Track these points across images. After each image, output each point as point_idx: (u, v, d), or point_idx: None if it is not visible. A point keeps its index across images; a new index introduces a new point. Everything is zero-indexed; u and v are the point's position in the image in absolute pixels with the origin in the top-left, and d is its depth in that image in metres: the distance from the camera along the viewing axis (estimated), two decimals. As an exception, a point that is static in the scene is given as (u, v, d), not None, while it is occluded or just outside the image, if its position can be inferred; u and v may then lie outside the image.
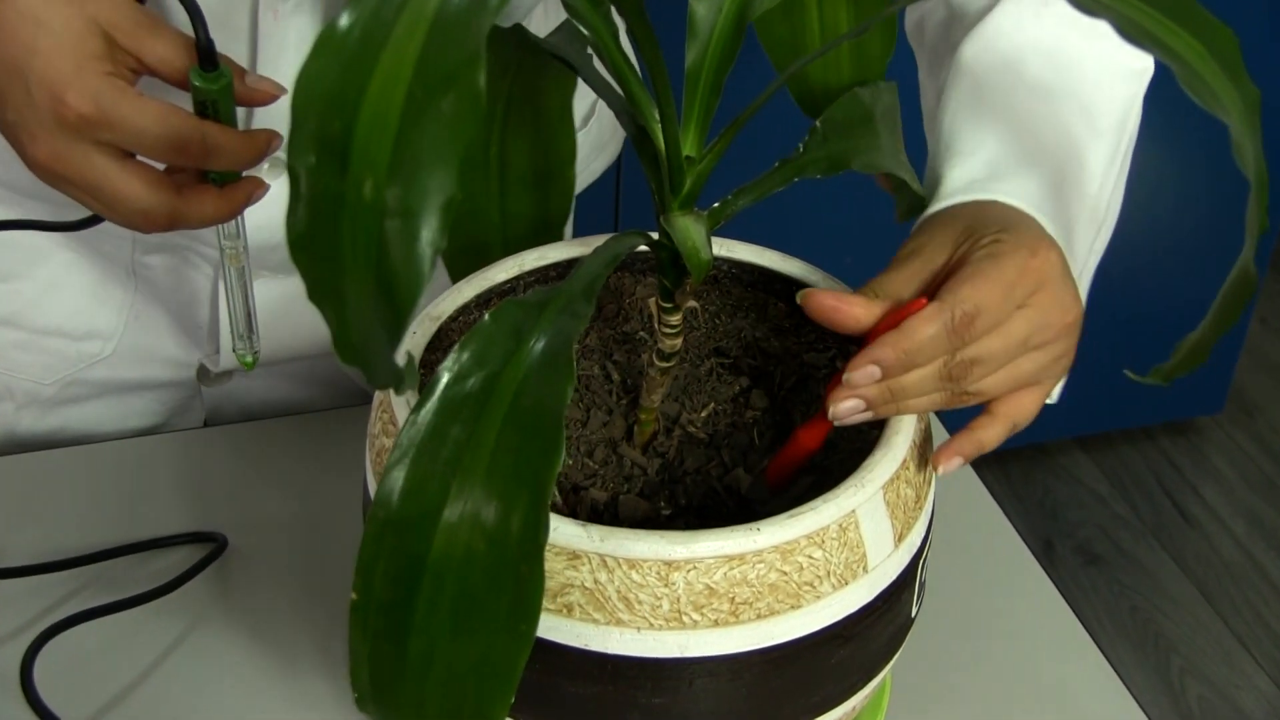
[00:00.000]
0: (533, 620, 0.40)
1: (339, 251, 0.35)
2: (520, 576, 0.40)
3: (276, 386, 0.88)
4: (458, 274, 0.66)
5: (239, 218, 0.65)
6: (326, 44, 0.36)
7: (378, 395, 0.58)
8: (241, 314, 0.69)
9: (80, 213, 0.61)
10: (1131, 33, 0.43)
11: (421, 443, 0.42)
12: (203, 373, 0.86)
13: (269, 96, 0.59)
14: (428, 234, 0.34)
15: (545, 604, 0.49)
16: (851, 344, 0.62)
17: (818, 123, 0.56)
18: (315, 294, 0.35)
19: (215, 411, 0.89)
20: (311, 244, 0.35)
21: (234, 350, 0.70)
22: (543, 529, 0.40)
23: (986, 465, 2.00)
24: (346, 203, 0.35)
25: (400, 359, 0.57)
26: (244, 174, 0.61)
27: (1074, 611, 0.74)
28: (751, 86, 0.56)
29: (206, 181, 0.60)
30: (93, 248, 0.80)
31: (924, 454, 0.57)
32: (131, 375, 0.84)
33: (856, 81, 0.63)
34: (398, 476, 0.41)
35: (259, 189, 0.61)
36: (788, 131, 0.64)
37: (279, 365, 0.86)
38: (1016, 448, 2.04)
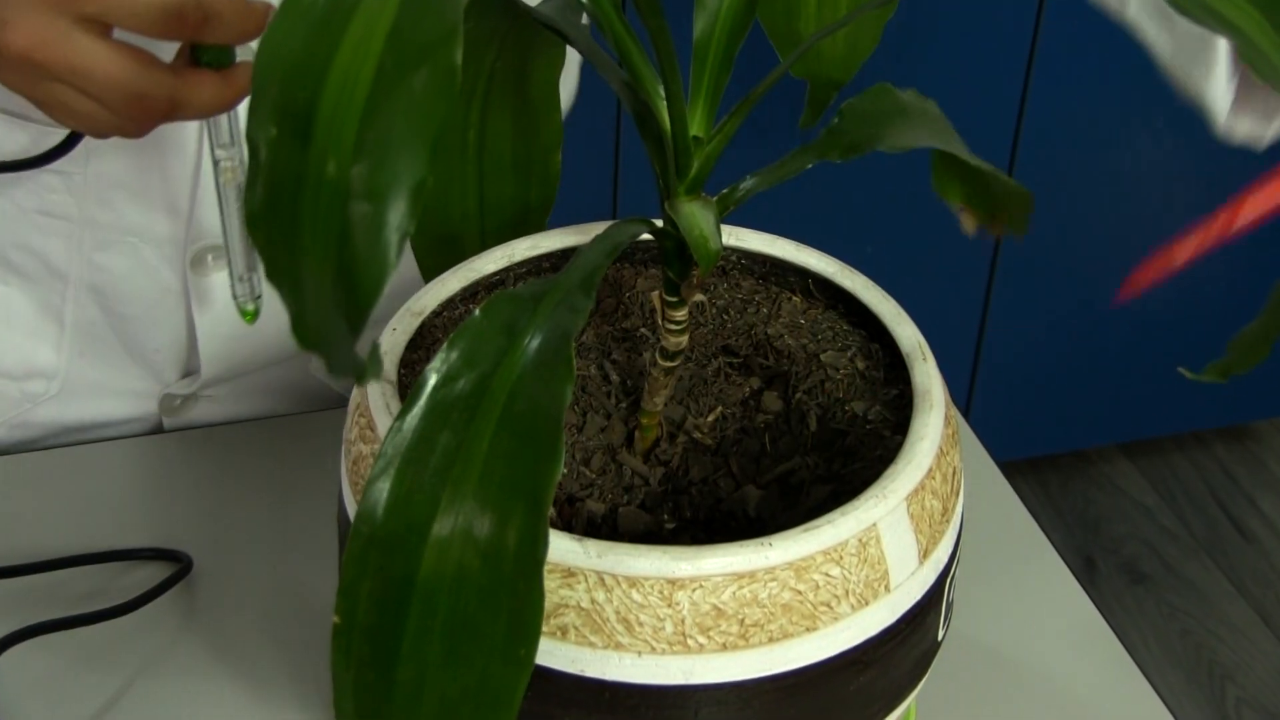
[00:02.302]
0: (532, 643, 0.41)
1: (298, 231, 0.36)
2: (518, 595, 0.40)
3: (244, 407, 0.89)
4: (429, 268, 0.67)
5: (233, 121, 0.64)
6: (294, 4, 0.36)
7: (354, 397, 0.59)
8: (240, 247, 0.67)
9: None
10: (1185, 5, 0.44)
11: (407, 451, 0.42)
12: (165, 404, 0.87)
13: None
14: (395, 219, 0.35)
15: (539, 626, 0.50)
16: (874, 342, 0.63)
17: (839, 114, 0.57)
18: (273, 274, 0.36)
19: None
20: (270, 222, 0.36)
21: (234, 297, 0.68)
22: (541, 543, 0.40)
23: (1021, 474, 2.01)
24: (308, 180, 0.36)
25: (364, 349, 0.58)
26: (238, 60, 0.60)
27: (1118, 636, 0.75)
28: (763, 61, 0.56)
29: (199, 65, 0.59)
30: (38, 259, 0.80)
31: (950, 462, 0.57)
32: (83, 415, 0.85)
33: (851, 40, 0.63)
34: (382, 489, 0.42)
35: None
36: (802, 110, 0.65)
37: (249, 377, 0.86)
38: (1054, 455, 2.04)
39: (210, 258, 0.81)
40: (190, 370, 0.86)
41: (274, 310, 0.80)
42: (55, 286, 0.81)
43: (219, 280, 0.81)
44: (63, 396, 0.84)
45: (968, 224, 0.61)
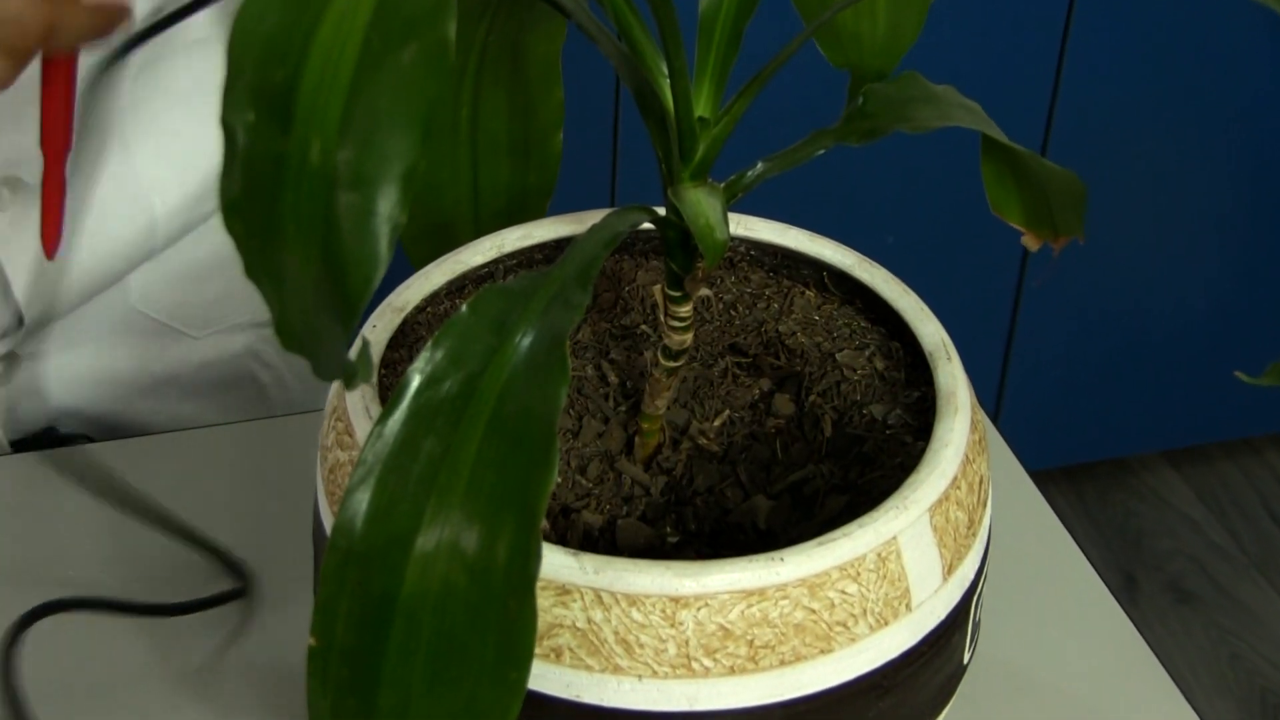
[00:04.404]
0: (524, 666, 0.41)
1: (280, 223, 0.36)
2: (508, 614, 0.41)
3: (73, 361, 0.88)
4: (419, 258, 0.67)
5: None
6: (271, -24, 0.36)
7: (331, 400, 0.59)
8: None
9: None
10: None
11: (389, 458, 0.42)
12: None
13: None
14: (385, 207, 0.35)
15: (531, 647, 0.50)
16: (894, 340, 0.63)
17: (861, 97, 0.57)
18: (252, 270, 0.36)
19: (16, 421, 0.88)
20: (248, 213, 0.36)
21: None
22: (533, 557, 0.41)
23: (1055, 483, 2.01)
24: (289, 167, 0.36)
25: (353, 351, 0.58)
26: None
27: (1162, 661, 0.75)
28: (776, 37, 0.57)
29: None
30: None
31: (977, 470, 0.58)
32: None
33: (893, 25, 0.64)
34: (361, 499, 0.42)
35: None
36: (817, 90, 0.65)
37: (72, 321, 0.86)
38: (1091, 463, 2.05)
39: (5, 191, 0.80)
40: (4, 331, 0.85)
41: (92, 228, 0.79)
42: None
43: (20, 214, 0.81)
44: None
45: (1030, 243, 0.62)
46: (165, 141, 0.86)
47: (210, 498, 0.80)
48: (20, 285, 0.83)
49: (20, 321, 0.85)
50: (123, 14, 0.60)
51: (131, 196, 0.86)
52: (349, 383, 0.37)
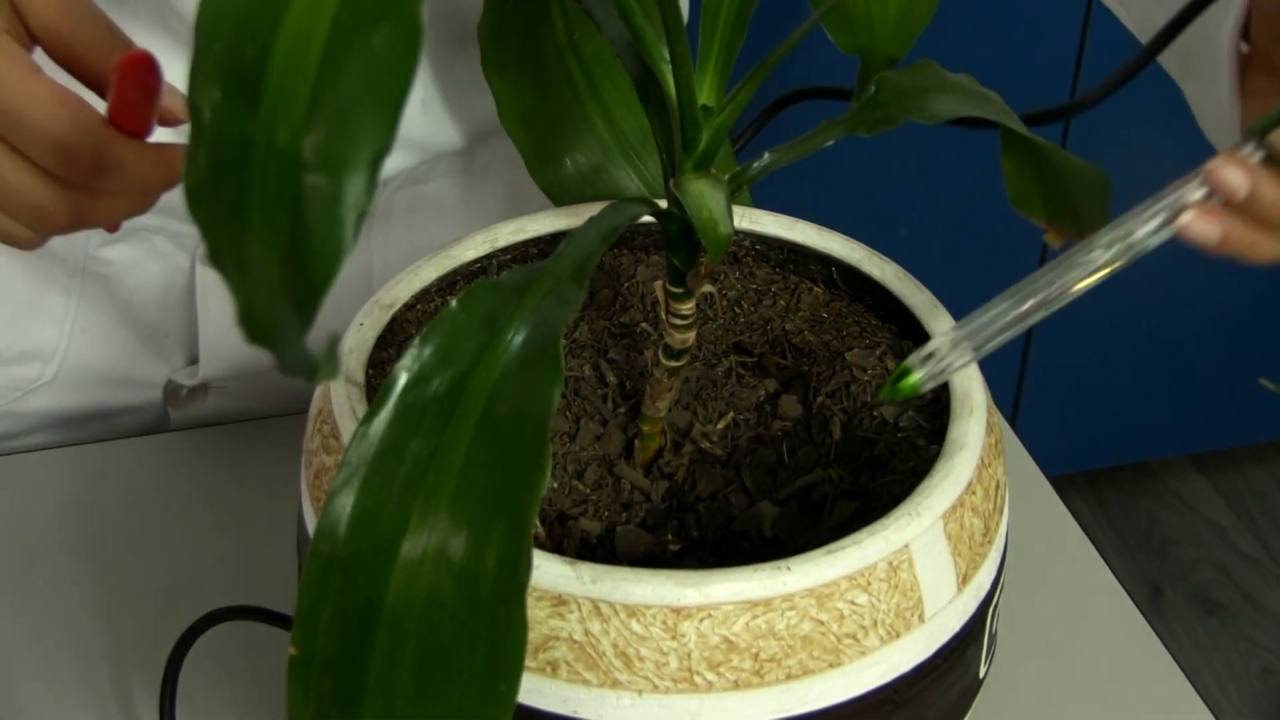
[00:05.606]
0: (513, 678, 0.41)
1: (246, 208, 0.36)
2: (497, 623, 0.41)
3: (258, 404, 0.90)
4: None
5: None
6: (242, -48, 0.36)
7: (316, 402, 0.59)
8: None
9: None
10: None
11: (374, 460, 0.42)
12: (171, 392, 0.88)
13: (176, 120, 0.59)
14: (352, 194, 0.35)
15: (526, 660, 0.50)
16: (905, 339, 0.63)
17: (873, 85, 0.57)
18: (215, 256, 0.36)
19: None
20: (213, 196, 0.36)
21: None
22: (524, 564, 0.41)
23: (1075, 488, 2.01)
24: (256, 149, 0.36)
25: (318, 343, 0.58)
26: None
27: (1188, 675, 0.75)
28: (783, 22, 0.56)
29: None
30: None
31: (993, 475, 0.57)
32: (81, 403, 0.87)
33: (904, 7, 0.64)
34: (345, 502, 0.42)
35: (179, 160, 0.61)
36: (824, 78, 0.65)
37: (257, 379, 0.88)
38: (1113, 467, 2.05)
39: None
40: (197, 358, 0.88)
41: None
42: (56, 262, 0.83)
43: None
44: (58, 384, 0.86)
45: (1054, 240, 0.62)
46: (402, 237, 0.88)
47: (207, 498, 0.80)
48: (208, 341, 0.86)
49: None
50: (146, 203, 0.60)
51: (357, 287, 0.87)
52: (313, 377, 0.37)
